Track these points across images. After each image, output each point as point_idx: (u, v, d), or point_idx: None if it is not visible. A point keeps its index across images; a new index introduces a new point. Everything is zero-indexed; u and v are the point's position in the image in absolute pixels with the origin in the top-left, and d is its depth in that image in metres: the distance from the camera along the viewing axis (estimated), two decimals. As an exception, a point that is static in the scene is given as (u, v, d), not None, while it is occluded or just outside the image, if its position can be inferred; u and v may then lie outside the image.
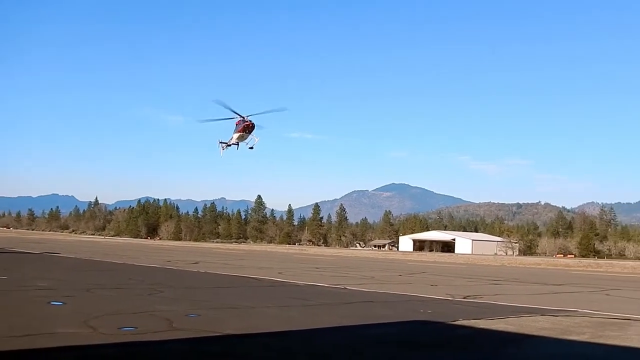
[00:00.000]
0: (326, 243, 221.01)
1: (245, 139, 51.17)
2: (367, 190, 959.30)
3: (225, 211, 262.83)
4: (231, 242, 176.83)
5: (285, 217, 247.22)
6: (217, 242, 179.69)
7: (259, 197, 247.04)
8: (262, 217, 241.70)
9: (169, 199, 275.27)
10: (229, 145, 52.58)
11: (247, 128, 49.99)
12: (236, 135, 50.99)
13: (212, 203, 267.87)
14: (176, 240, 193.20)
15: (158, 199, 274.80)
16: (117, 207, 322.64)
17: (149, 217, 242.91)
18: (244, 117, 50.49)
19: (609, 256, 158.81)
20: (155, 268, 24.43)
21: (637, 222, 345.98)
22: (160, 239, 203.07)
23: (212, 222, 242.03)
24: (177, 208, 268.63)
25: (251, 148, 51.70)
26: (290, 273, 24.57)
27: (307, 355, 6.94)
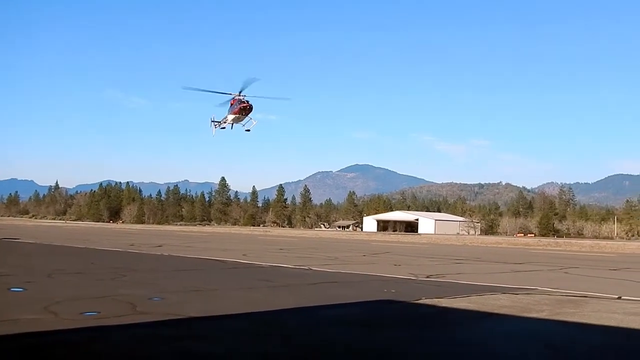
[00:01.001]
0: (290, 224, 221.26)
1: (241, 120, 48.07)
2: (331, 171, 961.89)
3: (188, 194, 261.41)
4: (195, 225, 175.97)
5: (249, 199, 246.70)
6: (180, 224, 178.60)
7: (223, 179, 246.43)
8: (226, 199, 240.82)
9: (131, 182, 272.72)
10: (223, 127, 49.37)
11: (244, 110, 46.52)
12: (231, 117, 47.75)
13: (176, 186, 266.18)
14: (139, 223, 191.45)
15: (120, 182, 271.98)
16: (78, 191, 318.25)
17: (111, 201, 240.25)
18: (240, 97, 46.85)
19: (568, 235, 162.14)
20: (117, 252, 24.17)
21: (595, 202, 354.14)
22: (122, 222, 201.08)
23: (175, 204, 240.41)
24: (140, 191, 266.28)
25: (248, 130, 48.53)
26: (254, 255, 24.55)
27: (272, 336, 6.95)
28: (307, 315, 8.73)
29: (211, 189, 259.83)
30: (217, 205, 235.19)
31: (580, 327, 8.02)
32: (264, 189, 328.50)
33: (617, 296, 11.61)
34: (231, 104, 47.29)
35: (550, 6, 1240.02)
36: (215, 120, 51.08)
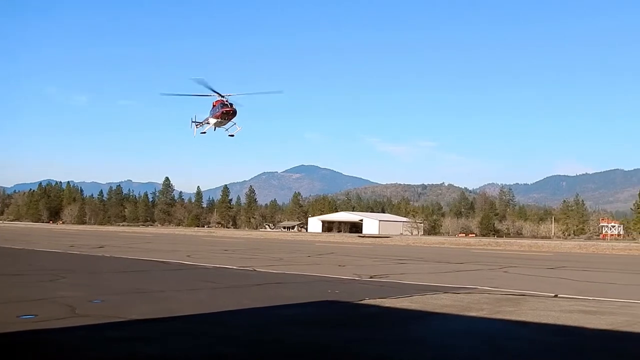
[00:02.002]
0: (235, 225, 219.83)
1: (224, 125, 44.89)
2: (277, 172, 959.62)
3: (131, 194, 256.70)
4: (138, 226, 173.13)
5: (193, 200, 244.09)
6: (123, 225, 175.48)
7: (167, 179, 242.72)
8: (170, 199, 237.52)
9: (72, 181, 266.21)
10: (203, 132, 46.08)
11: (226, 114, 43.43)
12: (213, 121, 44.59)
13: (118, 185, 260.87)
14: (80, 224, 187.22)
15: (61, 182, 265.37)
16: (16, 190, 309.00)
17: (51, 201, 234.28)
18: (224, 99, 43.70)
19: (508, 235, 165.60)
20: (57, 253, 23.63)
21: (534, 202, 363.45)
22: (63, 223, 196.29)
23: (118, 205, 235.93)
24: (81, 191, 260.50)
25: (231, 136, 45.56)
26: (198, 256, 24.33)
27: (217, 337, 6.92)
28: (253, 316, 8.72)
29: (155, 189, 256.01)
30: (160, 205, 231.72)
31: (519, 325, 8.23)
32: (208, 190, 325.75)
33: (553, 294, 11.96)
34: (213, 106, 44.47)
35: (489, 5, 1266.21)
36: (196, 120, 48.15)
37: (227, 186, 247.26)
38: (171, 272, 16.42)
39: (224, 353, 6.14)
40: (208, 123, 45.80)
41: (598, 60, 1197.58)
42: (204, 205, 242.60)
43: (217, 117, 43.92)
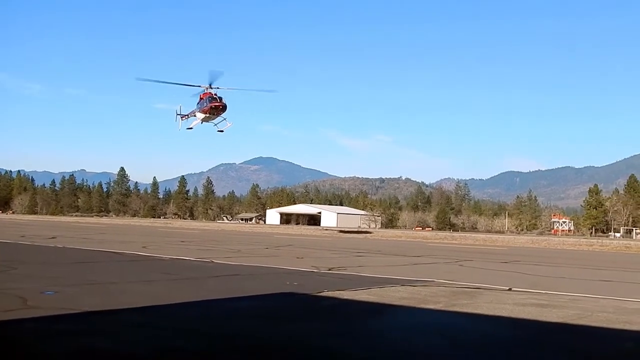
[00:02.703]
0: (192, 216, 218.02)
1: (212, 120, 41.96)
2: (235, 163, 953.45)
3: (85, 184, 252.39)
4: (92, 216, 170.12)
5: (149, 190, 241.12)
6: (76, 216, 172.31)
7: (122, 169, 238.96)
8: (125, 190, 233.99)
9: (22, 170, 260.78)
10: (190, 128, 43.37)
11: (215, 110, 40.49)
12: (200, 115, 41.61)
13: (71, 175, 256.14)
14: (31, 214, 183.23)
15: (10, 171, 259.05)
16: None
17: (0, 190, 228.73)
18: (211, 92, 40.68)
19: (463, 229, 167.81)
20: (7, 244, 23.04)
21: (488, 197, 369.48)
22: (13, 213, 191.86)
23: (70, 195, 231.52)
24: (33, 180, 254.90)
25: (220, 131, 42.68)
26: (154, 247, 24.06)
27: (172, 330, 6.83)
28: (210, 308, 8.64)
29: (109, 179, 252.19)
30: (115, 196, 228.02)
31: (473, 318, 8.34)
32: (165, 180, 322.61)
33: (507, 288, 12.16)
34: (200, 99, 41.44)
35: (445, 2, 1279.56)
36: (181, 113, 45.15)
37: (185, 177, 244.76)
38: (126, 264, 16.19)
39: (178, 346, 6.06)
40: (195, 117, 43.04)
41: (551, 59, 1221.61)
42: (161, 196, 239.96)
43: (204, 112, 41.09)
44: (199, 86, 41.19)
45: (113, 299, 9.04)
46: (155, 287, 11.01)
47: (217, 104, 40.08)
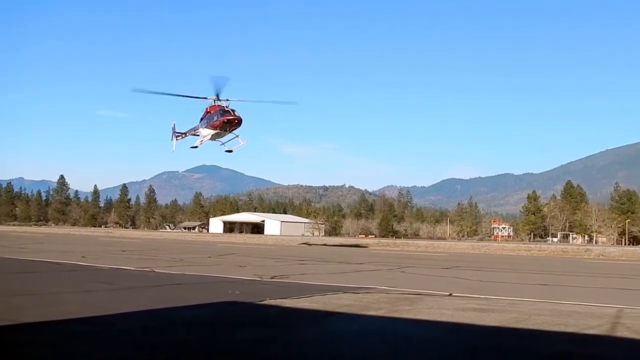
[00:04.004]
0: (134, 225, 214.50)
1: (222, 137, 35.85)
2: (178, 172, 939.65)
3: (23, 192, 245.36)
4: (30, 225, 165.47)
5: (90, 199, 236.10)
6: (14, 225, 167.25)
7: (62, 177, 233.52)
8: (65, 198, 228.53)
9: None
10: (195, 147, 37.25)
11: (229, 124, 34.45)
12: (208, 132, 35.53)
13: (9, 183, 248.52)
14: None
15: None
16: None
17: None
18: (221, 104, 34.81)
19: (405, 236, 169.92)
20: (-60, 254, 22.29)
21: (430, 204, 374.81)
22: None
23: (8, 203, 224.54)
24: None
25: (229, 151, 36.86)
26: (94, 256, 23.59)
27: (114, 340, 6.76)
28: (151, 317, 8.57)
29: (49, 187, 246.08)
30: (55, 204, 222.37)
31: (415, 323, 8.49)
32: (106, 189, 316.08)
33: (448, 293, 12.41)
34: (207, 113, 35.60)
35: (389, 10, 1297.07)
36: (178, 131, 39.90)
37: (126, 185, 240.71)
38: (65, 274, 15.84)
39: (118, 356, 6.00)
40: (197, 135, 37.24)
41: (490, 68, 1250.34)
42: (102, 204, 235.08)
43: (215, 127, 35.01)
44: (205, 98, 35.31)
45: (54, 309, 8.87)
46: (96, 297, 10.84)
47: (231, 117, 34.27)
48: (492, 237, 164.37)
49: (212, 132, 35.18)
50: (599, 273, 22.22)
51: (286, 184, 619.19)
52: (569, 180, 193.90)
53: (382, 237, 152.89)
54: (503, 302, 11.18)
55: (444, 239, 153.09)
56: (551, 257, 39.72)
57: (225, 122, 34.20)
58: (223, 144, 36.52)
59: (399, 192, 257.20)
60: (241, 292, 11.75)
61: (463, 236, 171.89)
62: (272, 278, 15.60)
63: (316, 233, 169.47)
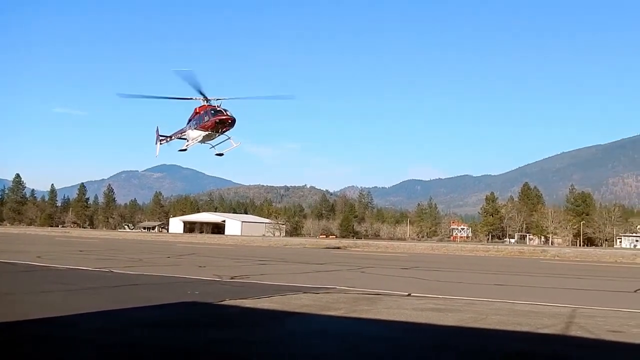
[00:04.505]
0: (92, 225, 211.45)
1: (213, 139, 33.51)
2: (138, 171, 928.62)
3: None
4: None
5: (47, 198, 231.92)
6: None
7: (18, 175, 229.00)
8: (21, 197, 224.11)
9: None
10: (184, 149, 34.85)
11: (221, 124, 32.02)
12: (197, 134, 33.18)
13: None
14: None
15: None
16: None
17: None
18: (211, 103, 32.47)
19: (366, 236, 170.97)
20: None
21: (391, 205, 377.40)
22: None
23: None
24: None
25: (220, 155, 34.41)
26: (51, 257, 23.20)
27: (71, 340, 6.67)
28: (108, 318, 8.47)
29: (4, 186, 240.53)
30: (10, 204, 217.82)
31: (374, 323, 8.55)
32: (64, 188, 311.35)
33: (407, 293, 12.52)
34: (196, 114, 33.20)
35: (350, 12, 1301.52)
36: (162, 134, 37.60)
37: (84, 184, 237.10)
38: (20, 274, 15.55)
39: (79, 357, 5.93)
40: (184, 138, 34.92)
41: (449, 70, 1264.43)
42: (59, 204, 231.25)
43: (206, 128, 32.42)
44: (192, 98, 32.86)
45: (9, 310, 8.73)
46: (52, 297, 10.67)
47: (223, 117, 31.75)
48: (451, 237, 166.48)
49: (203, 133, 32.83)
50: (554, 273, 22.66)
51: (247, 184, 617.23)
52: (526, 182, 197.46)
53: (343, 237, 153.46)
54: (461, 302, 11.33)
55: (404, 239, 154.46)
56: (508, 257, 40.39)
57: (217, 122, 31.83)
58: (213, 146, 34.20)
59: (360, 193, 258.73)
60: (200, 293, 11.68)
61: (423, 237, 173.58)
62: (232, 278, 15.55)
63: (277, 233, 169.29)
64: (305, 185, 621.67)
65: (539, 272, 23.22)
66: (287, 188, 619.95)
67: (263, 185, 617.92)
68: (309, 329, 8.17)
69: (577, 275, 21.76)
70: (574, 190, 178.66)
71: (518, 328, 8.24)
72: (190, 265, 21.56)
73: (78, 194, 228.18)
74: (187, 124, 34.29)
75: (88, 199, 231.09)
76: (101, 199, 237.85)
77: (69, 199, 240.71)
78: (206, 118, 32.14)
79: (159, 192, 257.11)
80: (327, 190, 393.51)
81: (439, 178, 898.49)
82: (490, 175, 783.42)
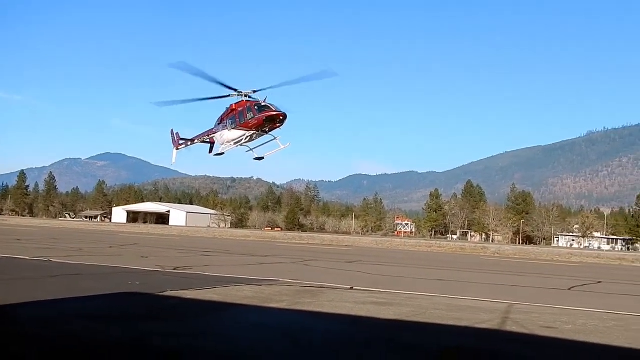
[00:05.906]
0: (32, 214, 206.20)
1: (254, 139, 29.82)
2: (81, 159, 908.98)
3: None
4: None
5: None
6: None
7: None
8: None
9: None
10: (220, 153, 31.37)
11: (270, 122, 28.35)
12: (238, 135, 29.26)
13: None
14: None
15: None
16: None
17: None
18: (250, 98, 28.64)
19: (312, 230, 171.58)
20: None
21: (337, 199, 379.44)
22: None
23: None
24: None
25: (260, 158, 31.03)
26: (-14, 245, 22.56)
27: (6, 333, 6.50)
28: (44, 309, 8.28)
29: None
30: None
31: (315, 316, 8.60)
32: (2, 175, 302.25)
33: (350, 287, 12.63)
34: (231, 111, 29.60)
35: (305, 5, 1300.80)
36: (183, 138, 34.29)
37: (24, 171, 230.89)
38: (-47, 263, 15.07)
39: (13, 351, 5.78)
40: (207, 141, 32.36)
41: (398, 67, 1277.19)
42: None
43: (249, 127, 28.58)
44: (227, 96, 29.19)
45: (-63, 300, 8.43)
46: (-14, 287, 10.38)
47: (273, 113, 27.98)
48: (396, 232, 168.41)
49: (246, 133, 29.11)
50: (493, 270, 23.21)
51: (193, 175, 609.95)
52: (470, 180, 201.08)
53: (289, 230, 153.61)
54: (402, 296, 11.49)
55: (349, 233, 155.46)
56: (450, 253, 41.08)
57: (265, 119, 28.14)
58: (251, 149, 30.87)
59: (307, 186, 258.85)
60: (141, 283, 11.54)
61: (367, 231, 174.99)
62: (174, 269, 15.43)
63: (222, 225, 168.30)
64: (252, 177, 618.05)
65: (479, 269, 23.73)
66: (233, 179, 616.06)
67: (209, 176, 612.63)
68: (249, 321, 8.16)
69: (516, 272, 22.29)
70: (515, 189, 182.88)
71: (456, 323, 8.40)
72: (133, 255, 21.27)
73: (18, 181, 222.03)
74: (219, 124, 31.16)
75: (28, 186, 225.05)
76: (42, 187, 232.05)
77: (7, 186, 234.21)
78: (249, 115, 28.58)
79: (103, 180, 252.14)
80: (273, 183, 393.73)
81: (385, 173, 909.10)
82: (435, 172, 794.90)
